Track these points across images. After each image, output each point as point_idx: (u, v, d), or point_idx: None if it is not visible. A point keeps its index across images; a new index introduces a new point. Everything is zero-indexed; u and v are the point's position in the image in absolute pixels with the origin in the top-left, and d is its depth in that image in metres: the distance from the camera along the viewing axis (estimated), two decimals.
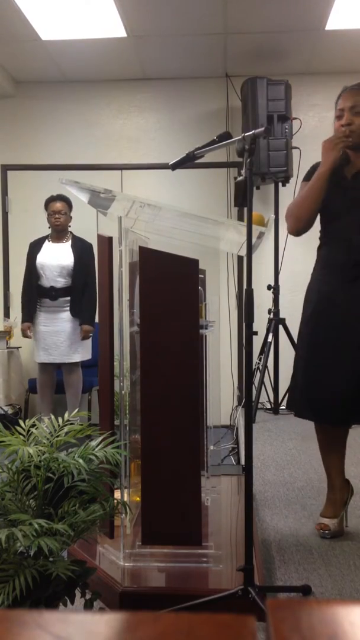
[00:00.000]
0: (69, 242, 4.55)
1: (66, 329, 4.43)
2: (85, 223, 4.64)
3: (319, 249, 2.50)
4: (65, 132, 5.49)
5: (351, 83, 2.40)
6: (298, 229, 2.44)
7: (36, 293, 4.49)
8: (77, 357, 4.48)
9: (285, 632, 0.42)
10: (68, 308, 4.45)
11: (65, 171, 5.20)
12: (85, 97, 5.49)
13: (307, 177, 2.45)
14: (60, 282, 4.45)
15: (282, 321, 4.73)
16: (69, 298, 4.45)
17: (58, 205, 4.50)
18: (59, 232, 4.56)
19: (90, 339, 4.55)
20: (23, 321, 4.57)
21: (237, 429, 4.43)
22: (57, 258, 4.47)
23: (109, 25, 4.42)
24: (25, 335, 4.55)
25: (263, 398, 4.85)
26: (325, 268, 2.44)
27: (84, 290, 4.46)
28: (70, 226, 4.61)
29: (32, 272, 4.52)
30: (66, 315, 4.44)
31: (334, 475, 2.49)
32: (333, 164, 2.32)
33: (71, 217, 4.58)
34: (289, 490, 3.09)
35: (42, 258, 4.49)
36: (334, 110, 2.41)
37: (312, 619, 0.44)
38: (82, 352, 4.51)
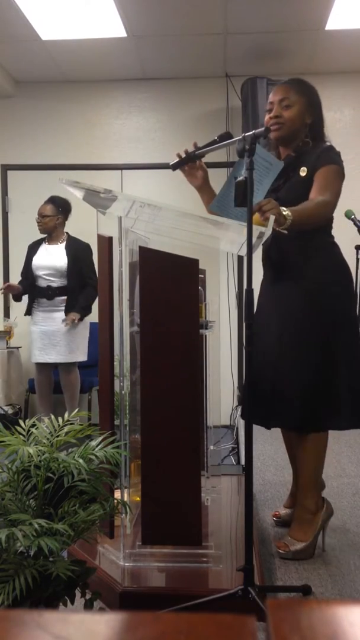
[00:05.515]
0: (64, 244, 4.54)
1: (63, 328, 4.42)
2: (84, 224, 4.63)
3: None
4: (65, 132, 5.49)
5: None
6: None
7: (32, 294, 4.49)
8: (73, 357, 4.46)
9: (285, 632, 0.42)
10: (65, 308, 4.44)
11: (65, 171, 5.20)
12: (85, 97, 5.49)
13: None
14: (56, 282, 4.45)
15: None
16: (65, 297, 4.44)
17: (44, 208, 4.49)
18: (50, 234, 4.55)
19: (88, 339, 4.53)
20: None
21: (237, 429, 4.43)
22: (50, 259, 4.47)
23: (109, 25, 4.42)
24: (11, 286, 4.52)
25: None
26: None
27: (82, 289, 4.44)
28: (60, 226, 4.56)
29: (28, 274, 4.52)
30: (63, 315, 4.43)
31: None
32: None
33: (60, 219, 4.51)
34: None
35: (37, 260, 4.50)
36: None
37: (312, 619, 0.44)
38: (79, 353, 4.49)
